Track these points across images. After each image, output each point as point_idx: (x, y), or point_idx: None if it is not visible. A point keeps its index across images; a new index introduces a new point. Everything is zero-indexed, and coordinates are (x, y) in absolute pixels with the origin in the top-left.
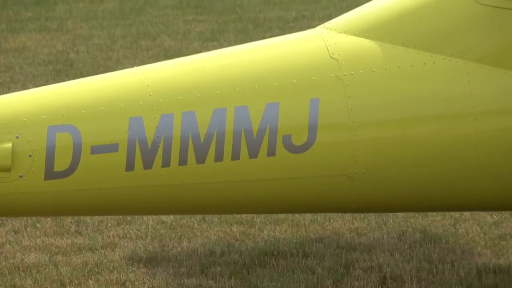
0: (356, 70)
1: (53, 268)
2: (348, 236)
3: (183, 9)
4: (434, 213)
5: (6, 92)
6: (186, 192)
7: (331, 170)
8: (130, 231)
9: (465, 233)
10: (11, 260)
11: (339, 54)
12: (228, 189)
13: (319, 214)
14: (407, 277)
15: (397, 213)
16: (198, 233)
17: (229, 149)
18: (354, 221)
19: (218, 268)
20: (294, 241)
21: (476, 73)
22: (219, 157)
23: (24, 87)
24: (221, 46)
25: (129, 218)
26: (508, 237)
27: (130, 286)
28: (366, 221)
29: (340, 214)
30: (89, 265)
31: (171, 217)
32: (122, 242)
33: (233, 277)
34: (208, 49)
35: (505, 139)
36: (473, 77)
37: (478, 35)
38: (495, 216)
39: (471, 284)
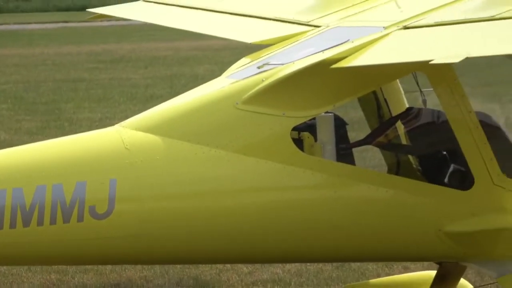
0: (144, 158)
1: None
2: (139, 282)
3: (15, 110)
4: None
5: None
6: (16, 249)
7: (125, 231)
8: None
9: (227, 280)
10: None
11: (132, 146)
12: (47, 247)
13: (116, 265)
14: None
15: (176, 265)
16: (25, 280)
17: (48, 216)
18: (143, 270)
19: None
20: (98, 285)
21: (234, 160)
22: (40, 222)
23: None
24: (44, 138)
25: None
26: (259, 283)
27: None
28: (152, 270)
29: (133, 265)
30: None
31: (4, 267)
32: None
33: None
34: (34, 141)
35: (256, 210)
36: (233, 163)
37: (237, 132)
38: (249, 267)
39: None
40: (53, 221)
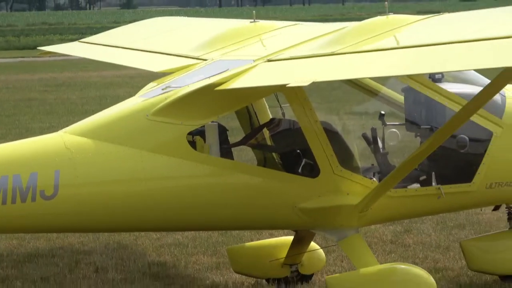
0: (80, 155)
1: None
2: (77, 245)
3: None
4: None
5: None
6: None
7: (67, 209)
8: None
9: (141, 244)
10: None
11: (71, 146)
12: (9, 220)
13: (60, 233)
14: (111, 268)
15: (104, 233)
16: None
17: (10, 198)
18: (80, 237)
19: None
20: (47, 248)
21: (146, 156)
22: (4, 202)
23: None
24: (6, 141)
25: None
26: (165, 246)
27: None
28: (87, 237)
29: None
30: None
31: None
32: None
33: None
34: None
35: (162, 192)
36: (144, 159)
37: (147, 136)
38: (158, 234)
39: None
40: (13, 201)
